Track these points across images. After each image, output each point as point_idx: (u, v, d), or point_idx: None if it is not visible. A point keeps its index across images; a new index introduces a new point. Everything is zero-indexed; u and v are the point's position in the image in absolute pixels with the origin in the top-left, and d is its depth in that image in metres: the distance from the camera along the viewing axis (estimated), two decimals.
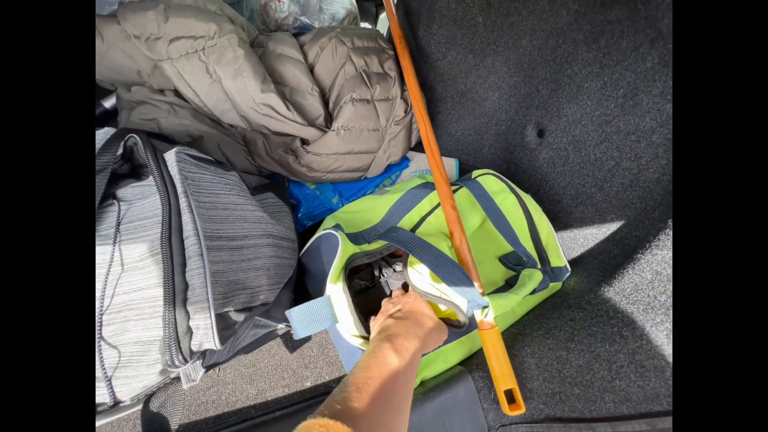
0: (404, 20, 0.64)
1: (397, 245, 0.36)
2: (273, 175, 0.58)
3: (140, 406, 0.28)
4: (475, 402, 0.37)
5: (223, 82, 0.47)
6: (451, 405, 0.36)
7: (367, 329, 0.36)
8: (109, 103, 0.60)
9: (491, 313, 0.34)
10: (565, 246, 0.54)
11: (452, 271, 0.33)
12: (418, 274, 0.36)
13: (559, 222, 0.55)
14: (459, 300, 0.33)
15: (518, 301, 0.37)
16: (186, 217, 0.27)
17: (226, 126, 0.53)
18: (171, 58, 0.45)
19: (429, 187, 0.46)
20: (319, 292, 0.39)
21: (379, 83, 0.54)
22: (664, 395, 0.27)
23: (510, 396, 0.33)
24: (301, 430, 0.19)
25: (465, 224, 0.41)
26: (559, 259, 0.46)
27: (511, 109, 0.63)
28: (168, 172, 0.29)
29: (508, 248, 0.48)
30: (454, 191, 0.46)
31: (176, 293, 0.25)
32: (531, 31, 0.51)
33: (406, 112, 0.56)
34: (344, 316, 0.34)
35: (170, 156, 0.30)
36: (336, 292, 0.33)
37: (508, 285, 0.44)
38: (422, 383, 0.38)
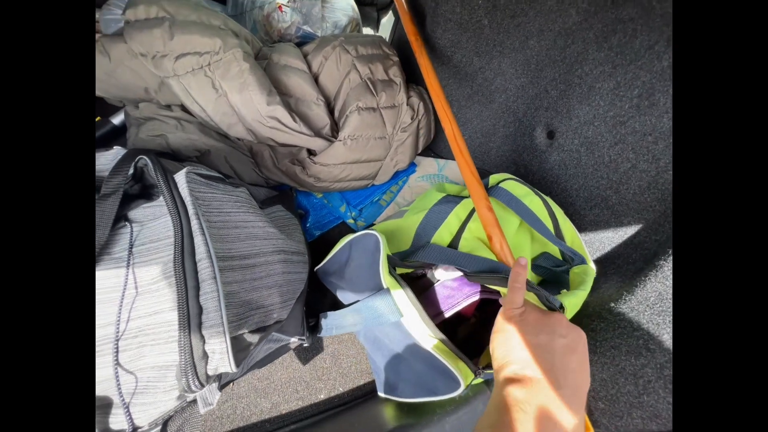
0: None
1: (443, 263, 0.34)
2: (280, 186, 0.58)
3: (158, 430, 0.28)
4: None
5: (229, 96, 0.47)
6: (470, 420, 0.35)
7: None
8: (117, 119, 0.60)
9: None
10: None
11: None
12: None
13: (574, 224, 0.54)
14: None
15: (584, 298, 0.34)
16: (198, 240, 0.27)
17: (233, 139, 0.53)
18: (177, 74, 0.45)
19: (451, 201, 0.44)
20: (355, 297, 0.38)
21: (385, 90, 0.53)
22: None
23: None
24: None
25: (504, 230, 0.38)
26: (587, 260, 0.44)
27: (519, 111, 0.62)
28: (179, 193, 0.29)
29: (534, 253, 0.46)
30: None
31: (191, 317, 0.25)
32: (538, 32, 0.50)
33: (412, 118, 0.56)
34: (408, 311, 0.31)
35: (180, 177, 0.30)
36: (394, 286, 0.31)
37: None
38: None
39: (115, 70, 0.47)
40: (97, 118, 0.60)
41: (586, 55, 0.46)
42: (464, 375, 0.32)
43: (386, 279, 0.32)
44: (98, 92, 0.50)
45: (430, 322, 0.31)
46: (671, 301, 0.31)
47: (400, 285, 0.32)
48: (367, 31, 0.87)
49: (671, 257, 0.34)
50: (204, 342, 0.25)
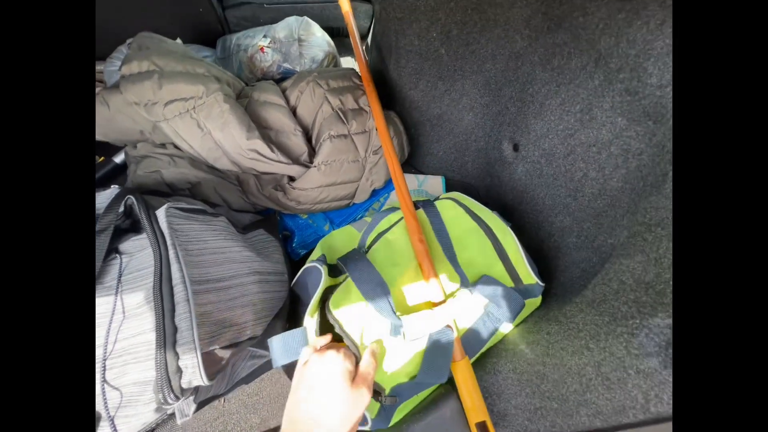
0: (377, 57, 0.69)
1: (344, 268, 0.38)
2: (266, 211, 0.62)
3: None
4: (462, 421, 0.38)
5: (213, 134, 0.52)
6: (438, 425, 0.37)
7: None
8: (119, 158, 0.67)
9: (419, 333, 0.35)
10: (551, 255, 0.55)
11: (375, 290, 0.35)
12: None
13: (543, 231, 0.56)
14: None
15: None
16: (174, 267, 0.31)
17: (221, 170, 0.58)
18: (167, 118, 0.51)
19: (393, 210, 0.48)
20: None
21: (355, 118, 0.58)
22: (629, 407, 0.27)
23: (483, 428, 0.33)
24: None
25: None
26: (529, 276, 0.46)
27: (486, 126, 0.65)
28: (159, 227, 0.33)
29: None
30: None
31: (167, 337, 0.29)
32: (492, 56, 0.55)
33: None
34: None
35: (161, 212, 0.34)
36: (311, 324, 0.35)
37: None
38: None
39: (114, 117, 0.53)
40: (101, 159, 0.67)
41: (534, 75, 0.50)
42: (368, 408, 0.34)
43: (308, 316, 0.35)
44: (101, 137, 0.56)
45: None
46: (611, 302, 0.33)
47: (316, 326, 0.35)
48: (347, 60, 0.94)
49: (617, 259, 0.36)
50: (178, 358, 0.28)
